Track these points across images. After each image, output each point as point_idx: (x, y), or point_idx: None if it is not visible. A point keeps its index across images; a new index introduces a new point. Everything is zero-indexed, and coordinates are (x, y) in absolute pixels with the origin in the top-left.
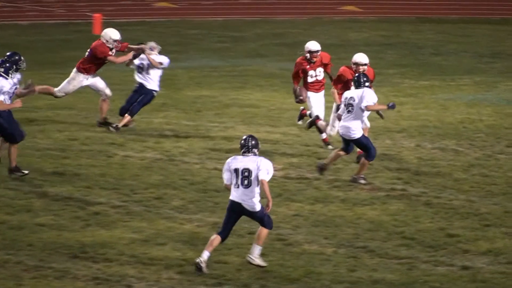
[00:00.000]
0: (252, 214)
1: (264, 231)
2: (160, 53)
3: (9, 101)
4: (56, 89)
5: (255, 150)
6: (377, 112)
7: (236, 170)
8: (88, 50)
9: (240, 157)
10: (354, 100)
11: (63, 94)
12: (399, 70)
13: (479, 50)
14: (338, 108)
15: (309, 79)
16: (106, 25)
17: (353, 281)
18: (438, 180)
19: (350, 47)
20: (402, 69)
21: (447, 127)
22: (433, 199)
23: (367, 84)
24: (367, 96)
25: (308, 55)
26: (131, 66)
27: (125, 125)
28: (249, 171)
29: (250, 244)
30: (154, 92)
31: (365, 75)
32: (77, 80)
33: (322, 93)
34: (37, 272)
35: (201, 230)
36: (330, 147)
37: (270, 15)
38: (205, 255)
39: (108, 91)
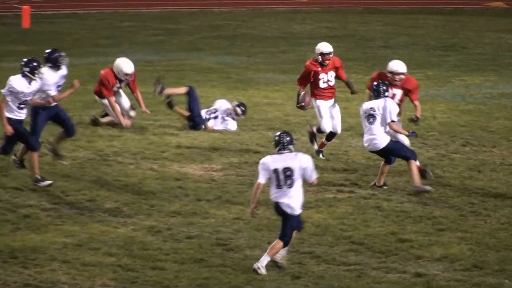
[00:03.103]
0: (287, 217)
1: (279, 244)
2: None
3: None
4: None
5: (291, 147)
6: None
7: (275, 171)
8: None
9: (276, 156)
10: (374, 111)
11: (126, 120)
12: (346, 64)
13: (430, 42)
14: None
15: (321, 84)
16: (34, 17)
17: None
18: (389, 181)
19: (293, 39)
20: (349, 63)
21: None
22: (383, 202)
23: (387, 94)
24: (391, 108)
25: (319, 57)
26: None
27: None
28: (291, 170)
29: (188, 248)
30: (202, 126)
31: (385, 83)
32: (107, 104)
33: (333, 100)
34: None
35: (137, 234)
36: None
37: (208, 6)
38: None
39: (132, 113)
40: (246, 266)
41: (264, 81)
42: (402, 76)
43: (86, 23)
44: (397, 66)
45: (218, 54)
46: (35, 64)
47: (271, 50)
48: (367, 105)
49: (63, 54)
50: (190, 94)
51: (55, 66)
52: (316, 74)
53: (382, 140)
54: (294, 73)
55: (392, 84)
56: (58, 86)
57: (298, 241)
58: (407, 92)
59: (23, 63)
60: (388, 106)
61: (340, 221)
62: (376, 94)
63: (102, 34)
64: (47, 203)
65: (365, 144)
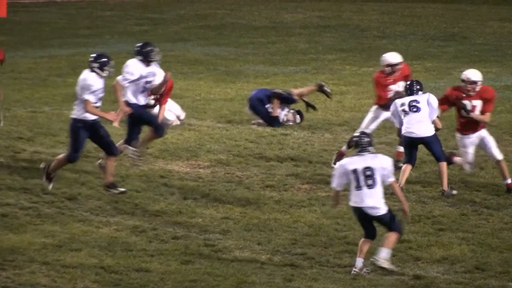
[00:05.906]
0: (377, 219)
1: (393, 236)
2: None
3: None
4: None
5: (371, 148)
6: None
7: (355, 171)
8: None
9: (355, 157)
10: (418, 102)
11: (177, 122)
12: (340, 55)
13: (429, 32)
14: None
15: (390, 95)
16: (11, 6)
17: None
18: None
19: (284, 29)
20: (343, 54)
21: None
22: None
23: (420, 92)
24: (434, 103)
25: (388, 69)
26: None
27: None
28: (372, 169)
29: (174, 249)
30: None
31: (418, 82)
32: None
33: None
34: None
35: (120, 234)
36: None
37: None
38: (359, 262)
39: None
40: (235, 269)
41: (254, 73)
42: (475, 86)
43: (66, 12)
44: (472, 74)
45: (204, 45)
46: (104, 59)
47: (261, 41)
48: (404, 100)
49: (156, 49)
50: (292, 100)
51: (146, 60)
52: (386, 86)
53: (430, 128)
54: (285, 64)
55: (467, 95)
56: (147, 83)
57: (290, 242)
58: (485, 103)
59: (91, 59)
60: (431, 100)
61: (334, 220)
62: (409, 92)
63: (82, 24)
64: (25, 202)
65: (407, 133)
